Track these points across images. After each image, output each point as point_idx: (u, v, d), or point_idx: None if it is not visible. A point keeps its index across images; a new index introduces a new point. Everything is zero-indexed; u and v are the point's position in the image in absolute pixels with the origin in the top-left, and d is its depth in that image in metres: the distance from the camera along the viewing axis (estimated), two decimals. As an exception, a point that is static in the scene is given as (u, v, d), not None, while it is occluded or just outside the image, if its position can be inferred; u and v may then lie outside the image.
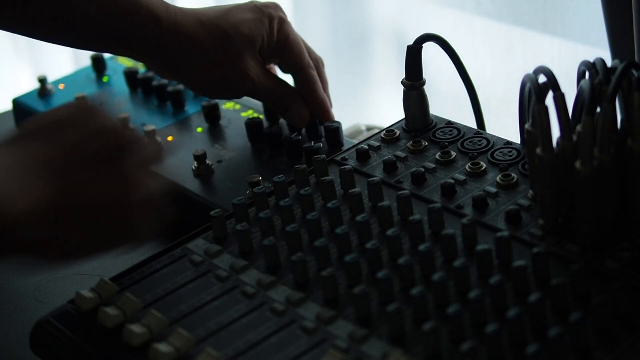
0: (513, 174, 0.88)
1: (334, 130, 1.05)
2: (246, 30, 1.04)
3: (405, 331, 0.74)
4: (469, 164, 0.90)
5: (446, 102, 1.48)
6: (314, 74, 1.08)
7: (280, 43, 1.07)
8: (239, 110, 1.16)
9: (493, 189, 0.87)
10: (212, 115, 1.13)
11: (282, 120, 1.11)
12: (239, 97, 1.08)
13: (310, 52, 1.10)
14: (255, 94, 1.06)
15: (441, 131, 0.96)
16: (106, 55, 1.29)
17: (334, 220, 0.86)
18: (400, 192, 0.86)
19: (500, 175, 0.88)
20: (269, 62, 1.10)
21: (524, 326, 0.71)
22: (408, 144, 0.95)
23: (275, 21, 1.06)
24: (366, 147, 0.95)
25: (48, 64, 2.18)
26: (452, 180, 0.88)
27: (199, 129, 1.13)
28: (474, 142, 0.94)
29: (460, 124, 0.97)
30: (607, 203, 0.78)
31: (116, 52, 1.09)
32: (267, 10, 1.06)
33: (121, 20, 1.02)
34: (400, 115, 1.00)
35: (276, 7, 1.08)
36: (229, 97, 1.10)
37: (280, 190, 0.91)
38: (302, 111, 1.07)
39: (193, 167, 1.05)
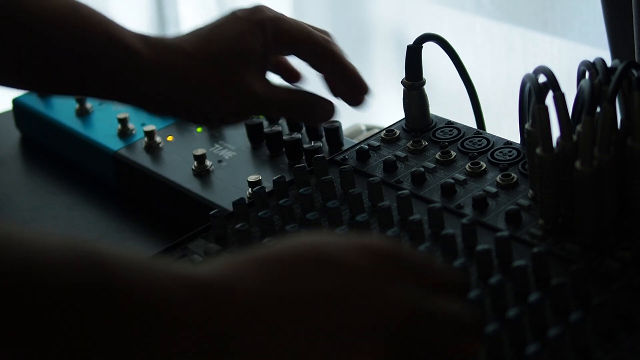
0: (513, 174, 0.88)
1: (334, 130, 1.05)
2: (236, 48, 0.93)
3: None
4: (469, 164, 0.90)
5: (446, 102, 1.47)
6: (336, 48, 0.97)
7: (283, 42, 0.96)
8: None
9: (493, 189, 0.86)
10: (212, 115, 1.13)
11: (282, 120, 1.11)
12: (249, 117, 1.01)
13: (315, 29, 0.98)
14: (267, 110, 0.97)
15: (441, 131, 0.96)
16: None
17: (334, 220, 0.86)
18: (400, 192, 0.85)
19: (500, 175, 0.88)
20: (280, 60, 1.02)
21: (524, 326, 0.71)
22: (408, 144, 0.95)
23: (266, 25, 0.95)
24: (366, 147, 0.95)
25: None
26: (452, 180, 0.88)
27: (199, 129, 1.13)
28: (474, 142, 0.94)
29: (460, 124, 0.97)
30: (607, 203, 0.78)
31: (107, 97, 0.96)
32: (252, 18, 0.95)
33: (100, 60, 0.92)
34: (400, 115, 1.00)
35: (260, 10, 0.96)
36: (240, 121, 0.99)
37: (280, 190, 0.91)
38: (326, 104, 0.97)
39: (193, 167, 1.05)
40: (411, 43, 0.97)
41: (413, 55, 0.97)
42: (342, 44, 0.98)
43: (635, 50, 1.08)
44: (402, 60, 0.98)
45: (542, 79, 0.80)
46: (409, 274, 0.65)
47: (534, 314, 0.72)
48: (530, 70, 0.81)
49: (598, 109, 0.77)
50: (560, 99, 0.78)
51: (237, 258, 0.64)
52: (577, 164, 0.77)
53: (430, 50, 0.98)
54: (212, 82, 0.93)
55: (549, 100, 0.79)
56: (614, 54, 1.12)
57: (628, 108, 0.78)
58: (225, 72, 0.93)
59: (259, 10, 0.96)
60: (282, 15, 0.97)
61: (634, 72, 0.78)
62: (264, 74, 0.97)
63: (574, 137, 0.79)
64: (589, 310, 0.72)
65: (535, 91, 0.79)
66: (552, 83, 0.79)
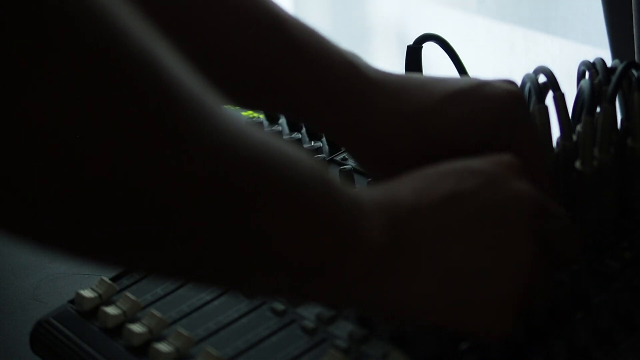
0: (513, 174, 0.87)
1: (335, 130, 1.04)
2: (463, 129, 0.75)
3: (406, 331, 0.74)
4: (469, 164, 0.90)
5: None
6: None
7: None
8: (238, 110, 1.16)
9: (493, 189, 0.86)
10: (212, 115, 1.13)
11: (282, 120, 1.11)
12: None
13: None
14: None
15: (441, 131, 0.96)
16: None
17: (334, 220, 0.85)
18: (400, 192, 0.85)
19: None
20: None
21: (523, 326, 0.71)
22: (408, 144, 0.95)
23: (506, 121, 0.75)
24: (366, 147, 0.95)
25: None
26: (452, 180, 0.88)
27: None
28: (474, 142, 0.93)
29: (460, 124, 0.97)
30: (607, 203, 0.78)
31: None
32: (497, 100, 0.75)
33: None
34: (401, 115, 0.99)
35: (512, 98, 0.75)
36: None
37: (280, 190, 0.91)
38: None
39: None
40: (411, 43, 0.97)
41: (413, 56, 0.97)
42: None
43: (635, 50, 1.08)
44: (403, 60, 0.98)
45: (542, 79, 0.80)
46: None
47: (533, 314, 0.72)
48: (531, 70, 0.81)
49: (598, 109, 0.77)
50: (560, 99, 0.78)
51: (382, 185, 0.68)
52: (577, 164, 0.77)
53: (430, 50, 0.98)
54: None
55: (549, 100, 0.79)
56: (614, 54, 1.13)
57: (628, 108, 0.78)
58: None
59: (509, 97, 0.76)
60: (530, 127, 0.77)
61: (634, 72, 0.78)
62: None
63: (574, 137, 0.79)
64: (589, 310, 0.72)
65: (535, 91, 0.79)
66: (552, 83, 0.79)
